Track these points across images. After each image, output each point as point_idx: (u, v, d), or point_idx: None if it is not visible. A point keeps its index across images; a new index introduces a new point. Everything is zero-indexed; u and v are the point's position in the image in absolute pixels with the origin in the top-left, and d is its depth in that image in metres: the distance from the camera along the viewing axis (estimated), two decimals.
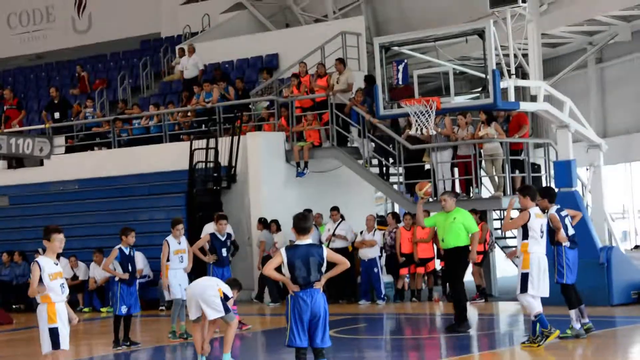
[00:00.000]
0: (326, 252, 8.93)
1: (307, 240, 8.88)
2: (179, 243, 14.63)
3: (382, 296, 18.68)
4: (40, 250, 21.65)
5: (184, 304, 14.57)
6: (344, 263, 9.08)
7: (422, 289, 18.98)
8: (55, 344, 9.26)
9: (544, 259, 11.92)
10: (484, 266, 18.16)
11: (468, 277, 18.30)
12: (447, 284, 14.14)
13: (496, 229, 19.39)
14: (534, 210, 11.98)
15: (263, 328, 16.68)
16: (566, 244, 12.50)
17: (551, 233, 12.40)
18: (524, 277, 11.79)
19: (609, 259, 15.66)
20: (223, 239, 15.28)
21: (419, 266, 18.67)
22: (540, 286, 11.83)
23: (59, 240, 9.42)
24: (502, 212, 19.83)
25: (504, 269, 20.17)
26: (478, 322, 16.26)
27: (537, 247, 11.87)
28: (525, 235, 11.88)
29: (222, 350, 11.55)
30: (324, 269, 8.88)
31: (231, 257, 15.83)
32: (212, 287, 11.53)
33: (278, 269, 8.85)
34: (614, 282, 15.73)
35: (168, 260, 14.52)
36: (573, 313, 12.41)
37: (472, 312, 16.98)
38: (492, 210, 18.85)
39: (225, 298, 11.48)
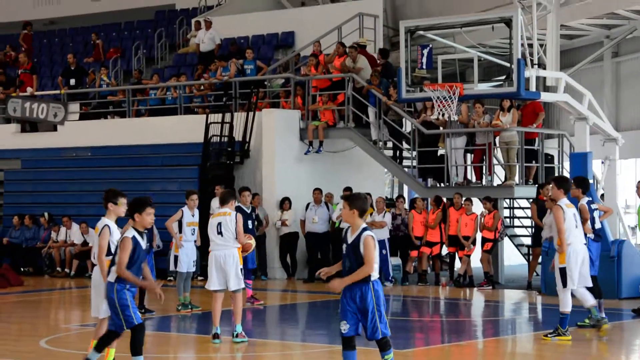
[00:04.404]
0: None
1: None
2: (193, 215, 14.66)
3: (390, 278, 18.84)
4: (45, 214, 21.81)
5: (188, 276, 14.72)
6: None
7: (428, 272, 19.15)
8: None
9: (581, 250, 11.71)
10: (493, 254, 18.30)
11: (476, 263, 18.62)
12: None
13: (506, 217, 19.53)
14: (564, 202, 11.77)
15: (273, 303, 16.85)
16: (590, 235, 12.57)
17: None
18: (562, 272, 11.61)
19: (619, 252, 15.79)
20: (248, 211, 15.14)
21: (425, 247, 18.86)
22: (580, 278, 11.62)
23: (124, 205, 9.30)
24: (512, 200, 19.98)
25: (511, 257, 20.40)
26: (484, 308, 16.46)
27: (573, 238, 11.64)
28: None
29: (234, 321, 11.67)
30: None
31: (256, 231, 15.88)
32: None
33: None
34: (623, 276, 15.87)
35: (180, 231, 14.59)
36: None
37: (479, 299, 17.19)
38: (503, 198, 18.98)
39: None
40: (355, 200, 8.25)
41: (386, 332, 8.21)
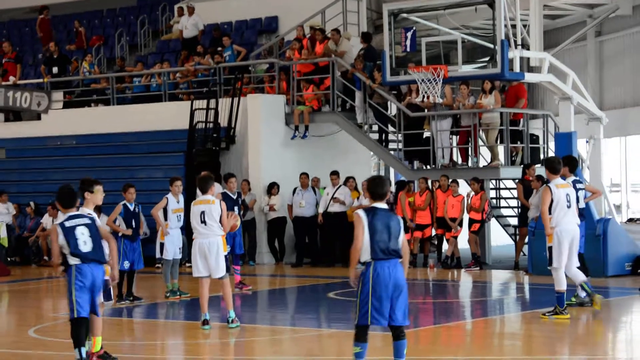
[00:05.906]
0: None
1: (384, 205, 8.13)
2: (178, 202, 14.62)
3: None
4: (31, 204, 21.72)
5: (175, 263, 14.68)
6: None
7: (417, 255, 19.21)
8: (109, 295, 9.32)
9: (568, 231, 11.70)
10: (480, 235, 18.36)
11: (463, 245, 18.69)
12: None
13: (492, 198, 19.59)
14: (555, 182, 11.78)
15: (262, 288, 16.89)
16: None
17: None
18: (550, 251, 11.78)
19: (605, 230, 15.89)
20: (234, 197, 15.16)
21: (416, 231, 18.89)
22: (564, 259, 11.70)
23: (100, 192, 9.25)
24: (498, 181, 20.04)
25: (498, 238, 20.47)
26: (472, 289, 16.54)
27: (563, 218, 11.68)
28: (550, 210, 11.67)
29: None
30: (400, 239, 8.08)
31: (242, 217, 15.87)
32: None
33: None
34: (609, 254, 15.98)
35: (166, 219, 14.54)
36: None
37: (467, 280, 17.27)
38: (489, 179, 19.03)
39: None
40: (368, 184, 8.35)
41: (358, 321, 7.98)
